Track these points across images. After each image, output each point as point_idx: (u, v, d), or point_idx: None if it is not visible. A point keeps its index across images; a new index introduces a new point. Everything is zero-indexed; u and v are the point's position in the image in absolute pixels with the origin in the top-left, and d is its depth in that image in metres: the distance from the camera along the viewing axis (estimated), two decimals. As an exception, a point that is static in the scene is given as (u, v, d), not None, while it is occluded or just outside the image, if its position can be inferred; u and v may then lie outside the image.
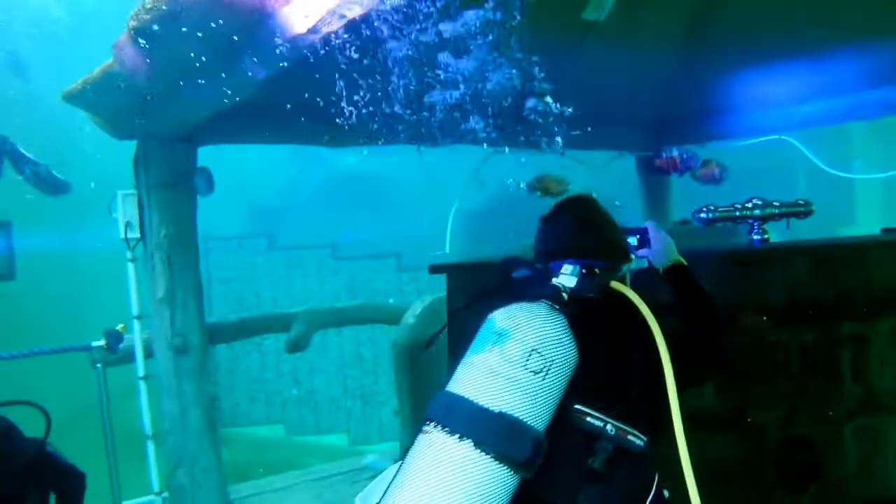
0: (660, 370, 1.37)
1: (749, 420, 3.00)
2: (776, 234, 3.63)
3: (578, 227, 1.62)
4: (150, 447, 4.12)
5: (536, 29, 4.16)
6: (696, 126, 6.03)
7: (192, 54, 2.52)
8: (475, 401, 1.25)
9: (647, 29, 4.75)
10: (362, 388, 9.57)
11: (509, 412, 1.23)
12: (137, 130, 3.87)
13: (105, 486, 4.00)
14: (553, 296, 1.43)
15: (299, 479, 4.64)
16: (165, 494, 4.08)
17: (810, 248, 3.43)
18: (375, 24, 2.16)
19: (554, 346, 1.30)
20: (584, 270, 1.49)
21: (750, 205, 3.22)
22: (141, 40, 2.45)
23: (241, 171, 8.71)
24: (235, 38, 2.39)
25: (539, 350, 1.28)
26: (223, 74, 2.72)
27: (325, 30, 2.11)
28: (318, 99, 4.01)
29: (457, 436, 1.22)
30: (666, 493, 1.47)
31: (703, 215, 3.26)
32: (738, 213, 3.18)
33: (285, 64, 2.41)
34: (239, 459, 6.17)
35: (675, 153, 2.93)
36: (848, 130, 9.39)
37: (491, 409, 1.23)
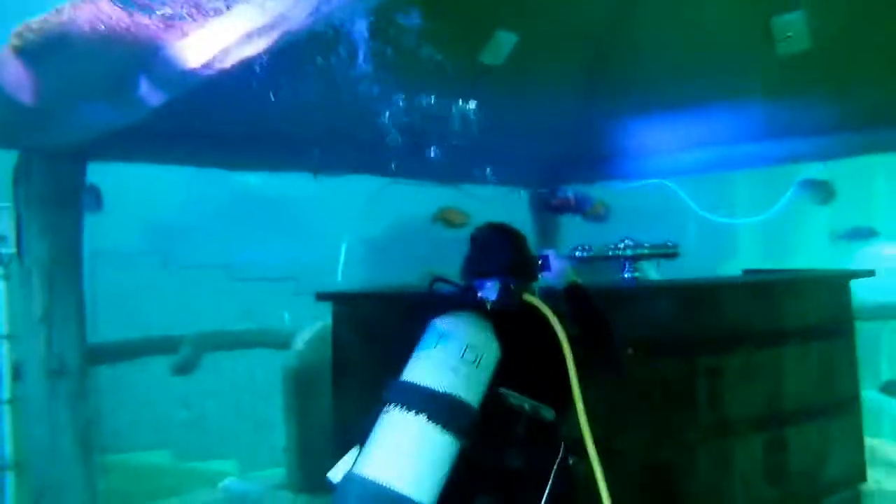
0: (563, 362, 1.77)
1: (614, 446, 3.23)
2: (668, 269, 3.85)
3: (497, 250, 1.98)
4: (9, 479, 3.87)
5: (432, 66, 4.37)
6: (588, 166, 6.42)
7: (82, 78, 2.49)
8: (426, 385, 1.61)
9: (543, 75, 5.05)
10: (254, 412, 9.35)
11: (452, 393, 1.59)
12: (19, 142, 3.73)
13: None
14: (479, 306, 1.84)
15: (182, 507, 4.52)
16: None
17: (672, 288, 3.75)
18: (265, 63, 2.24)
19: (483, 344, 1.69)
20: (501, 286, 1.88)
21: (622, 245, 3.47)
22: (24, 59, 2.40)
23: (136, 187, 8.40)
24: (127, 65, 2.39)
25: (472, 346, 1.67)
26: (115, 98, 2.70)
27: (217, 66, 2.17)
28: (214, 123, 4.02)
29: (413, 412, 1.56)
30: (570, 461, 1.81)
31: (577, 254, 3.48)
32: (610, 253, 3.41)
33: (178, 92, 2.43)
34: (120, 488, 5.88)
35: (570, 194, 3.15)
36: (732, 177, 10.20)
37: (438, 390, 1.59)
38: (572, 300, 2.05)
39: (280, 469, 5.04)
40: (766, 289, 3.91)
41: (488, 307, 1.85)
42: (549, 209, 2.87)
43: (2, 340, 3.93)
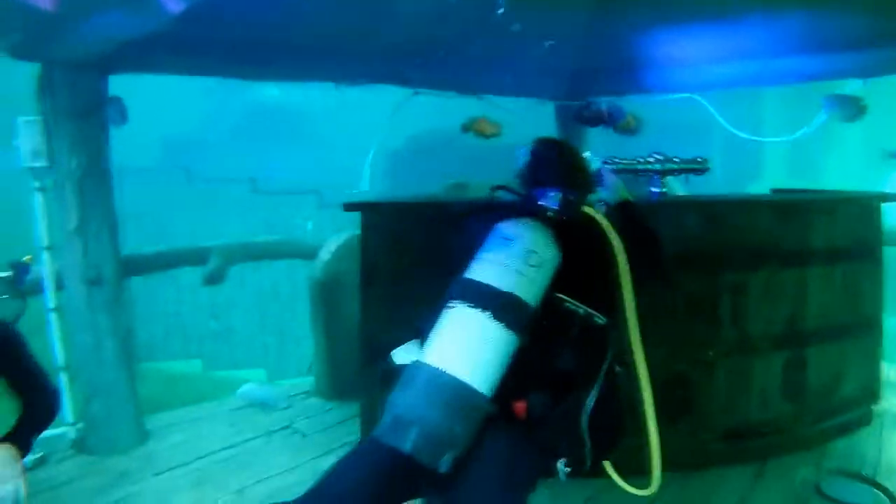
0: (616, 273, 1.90)
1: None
2: (694, 186, 3.78)
3: (557, 163, 2.10)
4: (63, 379, 4.10)
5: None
6: (615, 79, 6.25)
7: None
8: (491, 284, 1.73)
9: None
10: (280, 324, 9.63)
11: (515, 293, 1.72)
12: (39, 54, 3.70)
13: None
14: (542, 214, 1.95)
15: (215, 410, 4.73)
16: (80, 425, 4.09)
17: (699, 204, 3.72)
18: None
19: (545, 250, 1.81)
20: (562, 196, 1.98)
21: (651, 159, 3.42)
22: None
23: (157, 102, 8.36)
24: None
25: (535, 251, 1.79)
26: (135, 4, 2.65)
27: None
28: (236, 32, 3.94)
29: (478, 309, 1.69)
30: (617, 368, 1.93)
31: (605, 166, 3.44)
32: (638, 167, 3.37)
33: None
34: (154, 394, 6.18)
35: (604, 107, 3.09)
36: (761, 94, 9.88)
37: (503, 290, 1.71)
38: (624, 214, 2.14)
39: (307, 378, 5.23)
40: (793, 208, 3.87)
41: (549, 215, 1.95)
42: (581, 121, 2.83)
43: (43, 252, 4.03)
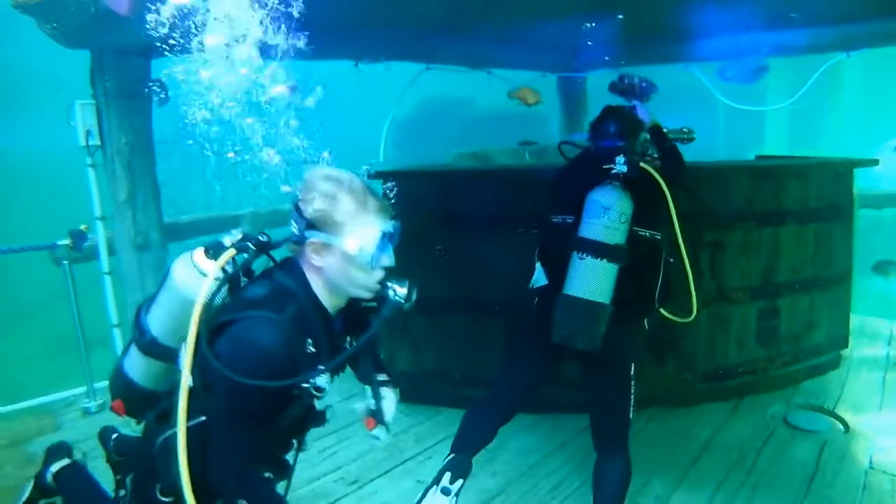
0: (667, 206, 2.76)
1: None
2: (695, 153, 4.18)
3: (619, 129, 2.76)
4: (116, 335, 4.58)
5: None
6: (613, 51, 6.58)
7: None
8: (601, 240, 2.54)
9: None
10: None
11: (617, 243, 2.54)
12: (91, 42, 4.09)
13: (79, 368, 4.48)
14: (617, 178, 2.62)
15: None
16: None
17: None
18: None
19: (627, 207, 2.57)
20: (628, 161, 2.65)
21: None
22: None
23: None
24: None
25: (623, 212, 2.55)
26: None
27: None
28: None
29: (598, 258, 2.53)
30: (671, 259, 2.77)
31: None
32: None
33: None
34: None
35: (636, 80, 3.39)
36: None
37: (610, 243, 2.53)
38: (655, 136, 2.97)
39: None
40: (768, 172, 4.27)
41: (622, 177, 2.63)
42: (615, 92, 3.17)
43: (97, 221, 4.49)
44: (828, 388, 4.38)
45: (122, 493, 1.96)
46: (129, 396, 1.89)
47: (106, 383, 4.56)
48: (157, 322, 1.77)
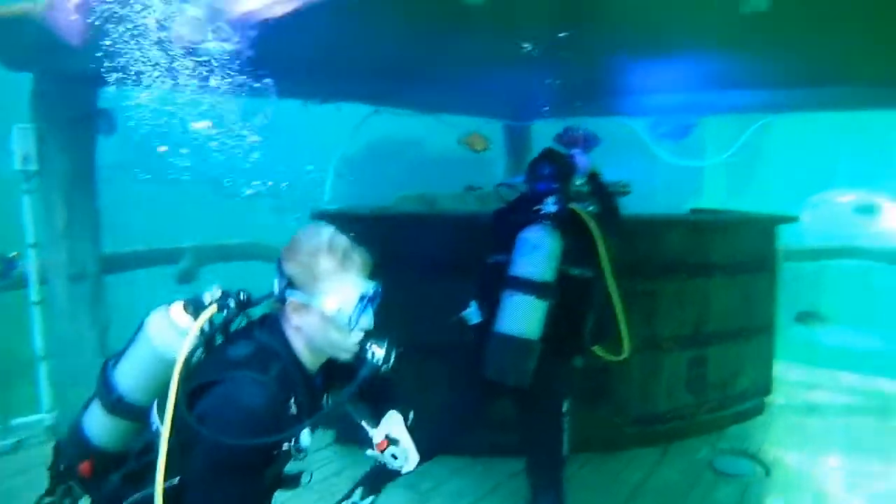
0: (596, 244, 2.85)
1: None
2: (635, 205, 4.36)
3: (553, 172, 2.95)
4: (42, 368, 4.40)
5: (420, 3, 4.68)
6: (558, 102, 6.85)
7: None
8: (531, 278, 2.65)
9: (520, 16, 5.39)
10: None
11: (546, 280, 2.65)
12: (34, 66, 4.03)
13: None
14: (547, 217, 2.76)
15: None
16: (55, 412, 4.37)
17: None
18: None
19: (557, 246, 2.69)
20: (558, 201, 2.81)
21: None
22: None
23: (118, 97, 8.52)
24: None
25: (551, 249, 2.68)
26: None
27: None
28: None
29: (527, 295, 2.63)
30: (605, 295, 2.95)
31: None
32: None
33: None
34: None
35: (581, 132, 3.53)
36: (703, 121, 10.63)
37: (539, 280, 2.65)
38: (592, 183, 3.15)
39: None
40: (700, 227, 4.50)
41: (551, 216, 2.77)
42: (560, 143, 3.30)
43: (29, 249, 4.35)
44: (752, 433, 4.57)
45: None
46: (84, 458, 1.77)
47: (26, 420, 4.39)
48: (127, 379, 1.70)
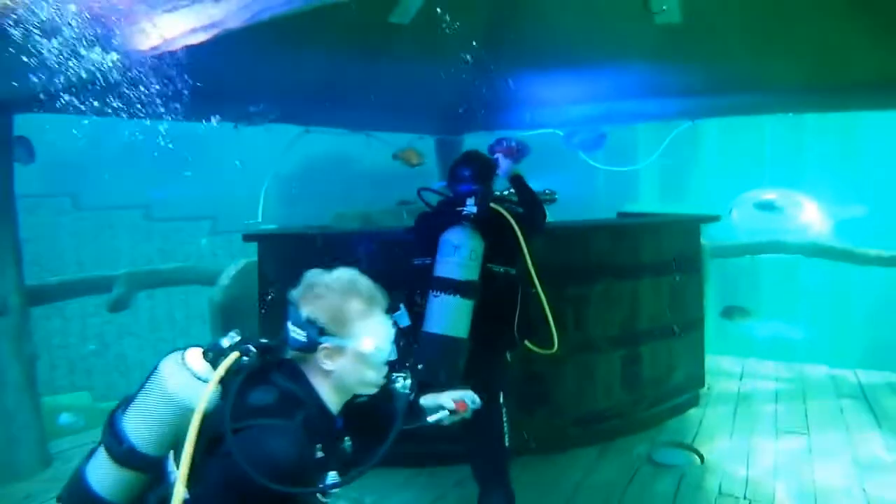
0: (517, 241, 2.89)
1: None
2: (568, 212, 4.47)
3: (473, 173, 3.02)
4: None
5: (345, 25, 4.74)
6: (487, 116, 7.00)
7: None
8: (454, 278, 2.74)
9: (447, 33, 5.52)
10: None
11: (469, 279, 2.74)
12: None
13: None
14: (468, 218, 2.82)
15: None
16: (-21, 452, 4.20)
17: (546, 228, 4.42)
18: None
19: (478, 245, 2.79)
20: (478, 201, 2.86)
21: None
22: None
23: (35, 123, 8.19)
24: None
25: (473, 249, 2.77)
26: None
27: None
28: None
29: (450, 295, 2.72)
30: (531, 290, 2.98)
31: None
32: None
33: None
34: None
35: (513, 143, 3.60)
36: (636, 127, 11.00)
37: (462, 279, 2.74)
38: (516, 184, 3.23)
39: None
40: (625, 230, 4.67)
41: (472, 217, 2.83)
42: (493, 154, 3.38)
43: (-56, 283, 4.17)
44: (688, 425, 4.75)
45: None
46: None
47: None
48: (139, 428, 1.61)
